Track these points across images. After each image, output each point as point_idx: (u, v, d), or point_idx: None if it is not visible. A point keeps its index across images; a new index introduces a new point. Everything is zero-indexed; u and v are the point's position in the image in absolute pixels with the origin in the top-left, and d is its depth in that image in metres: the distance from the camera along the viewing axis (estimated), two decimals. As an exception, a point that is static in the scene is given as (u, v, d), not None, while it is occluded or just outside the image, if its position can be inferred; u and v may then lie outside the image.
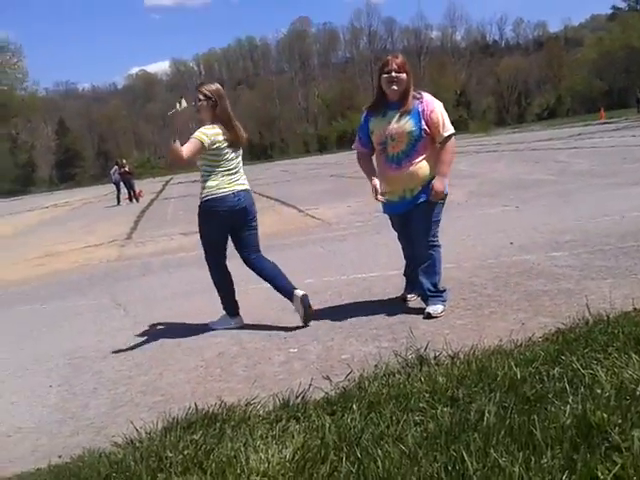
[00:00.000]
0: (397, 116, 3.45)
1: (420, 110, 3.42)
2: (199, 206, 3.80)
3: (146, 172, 52.04)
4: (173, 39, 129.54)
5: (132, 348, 3.74)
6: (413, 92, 3.47)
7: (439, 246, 3.63)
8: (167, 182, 34.90)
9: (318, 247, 6.48)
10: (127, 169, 20.60)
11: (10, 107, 56.64)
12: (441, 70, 67.15)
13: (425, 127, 3.42)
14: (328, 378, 2.74)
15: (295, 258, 6.09)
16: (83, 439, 2.50)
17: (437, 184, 3.45)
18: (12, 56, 56.95)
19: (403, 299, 3.91)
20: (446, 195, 3.57)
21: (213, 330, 3.88)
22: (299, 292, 3.70)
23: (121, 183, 20.21)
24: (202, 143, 3.59)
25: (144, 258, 7.59)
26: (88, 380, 3.26)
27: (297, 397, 2.48)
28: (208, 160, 3.69)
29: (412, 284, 3.85)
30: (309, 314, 3.67)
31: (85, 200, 26.57)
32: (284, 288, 3.80)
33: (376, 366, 2.76)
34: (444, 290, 3.65)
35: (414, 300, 3.83)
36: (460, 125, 55.18)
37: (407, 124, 3.43)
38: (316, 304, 4.16)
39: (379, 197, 3.58)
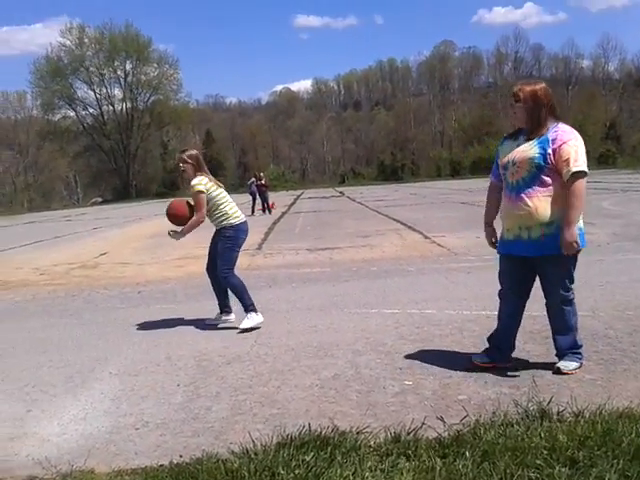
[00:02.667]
0: (525, 141, 3.15)
1: (551, 138, 3.06)
2: (226, 231, 4.76)
3: (280, 185, 54.24)
4: (317, 58, 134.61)
5: (254, 357, 3.92)
6: (550, 122, 3.12)
7: (572, 300, 3.25)
8: (298, 196, 36.15)
9: (442, 277, 6.36)
10: (263, 182, 21.63)
11: (164, 116, 61.98)
12: (590, 101, 63.07)
13: (550, 157, 3.04)
14: (442, 419, 2.69)
15: (417, 286, 6.04)
16: (203, 441, 2.67)
17: (565, 235, 3.01)
18: (169, 68, 62.41)
19: (474, 364, 3.44)
20: (580, 250, 3.11)
21: (243, 332, 4.60)
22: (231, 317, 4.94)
23: (257, 194, 21.26)
24: (204, 193, 4.70)
25: (271, 269, 7.92)
26: (212, 384, 3.47)
27: (409, 433, 2.46)
28: (213, 201, 4.75)
29: (496, 351, 3.42)
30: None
31: (222, 207, 28.18)
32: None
33: (494, 413, 2.67)
34: (581, 346, 3.33)
35: (482, 365, 3.43)
36: (608, 159, 51.42)
37: (531, 150, 3.09)
38: (436, 337, 4.12)
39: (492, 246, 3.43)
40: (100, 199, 59.21)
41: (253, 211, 20.79)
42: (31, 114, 63.96)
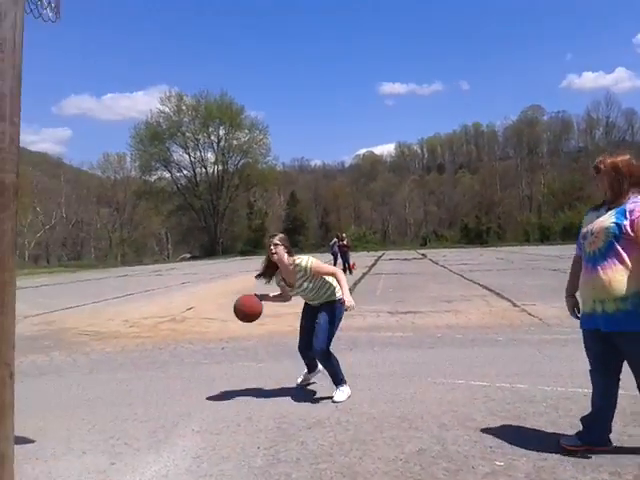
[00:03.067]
0: (606, 212, 3.05)
1: (629, 209, 2.93)
2: (334, 306, 4.55)
3: (361, 245, 54.51)
4: (401, 123, 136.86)
5: (335, 424, 3.81)
6: (633, 193, 2.99)
7: None
8: (379, 257, 36.04)
9: (534, 349, 6.01)
10: (345, 242, 21.82)
11: (252, 178, 64.94)
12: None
13: (626, 227, 2.90)
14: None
15: (506, 357, 5.73)
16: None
17: None
18: (259, 134, 65.67)
19: (563, 447, 3.17)
20: None
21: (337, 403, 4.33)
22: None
23: (338, 254, 21.43)
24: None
25: (352, 332, 7.81)
26: (293, 449, 3.39)
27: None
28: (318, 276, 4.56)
29: (588, 434, 3.15)
30: None
31: (304, 266, 28.55)
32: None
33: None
34: None
35: (570, 448, 3.12)
36: None
37: (608, 220, 2.99)
38: (529, 415, 3.84)
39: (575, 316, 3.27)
40: (189, 255, 61.89)
41: (334, 271, 20.87)
42: (129, 174, 68.96)
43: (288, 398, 4.54)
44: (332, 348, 4.56)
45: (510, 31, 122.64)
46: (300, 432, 3.68)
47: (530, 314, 8.56)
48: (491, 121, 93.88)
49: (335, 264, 21.16)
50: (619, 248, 2.94)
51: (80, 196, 66.33)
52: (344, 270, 21.04)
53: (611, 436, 3.20)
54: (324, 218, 74.96)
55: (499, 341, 6.65)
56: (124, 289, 17.48)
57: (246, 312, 4.61)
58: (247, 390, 4.85)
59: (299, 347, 4.77)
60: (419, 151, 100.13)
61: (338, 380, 4.51)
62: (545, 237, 56.12)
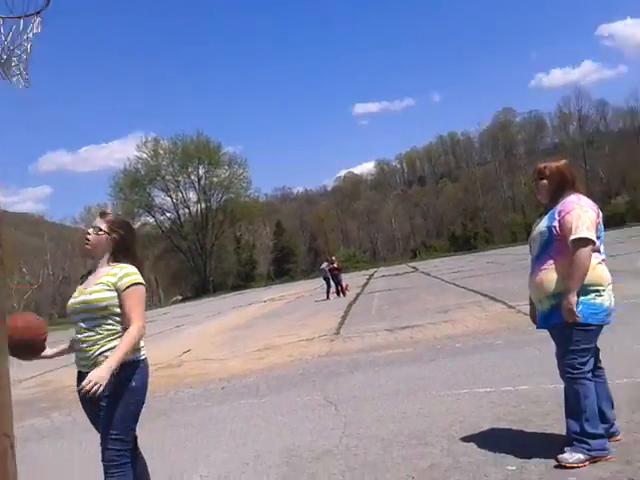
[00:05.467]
0: (545, 216, 3.16)
1: (558, 210, 3.05)
2: (136, 368, 2.74)
3: (352, 266, 54.53)
4: (378, 141, 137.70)
5: (344, 450, 3.77)
6: (567, 195, 3.09)
7: (581, 379, 2.96)
8: (371, 275, 36.04)
9: (534, 348, 6.00)
10: (336, 265, 21.81)
11: (236, 212, 64.96)
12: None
13: (556, 229, 3.02)
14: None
15: (507, 360, 5.73)
16: None
17: (563, 302, 2.93)
18: (239, 168, 65.94)
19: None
20: (587, 324, 2.94)
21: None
22: None
23: (330, 279, 21.39)
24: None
25: (352, 354, 7.77)
26: (303, 482, 3.33)
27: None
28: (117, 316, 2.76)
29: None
30: None
31: (298, 294, 28.54)
32: None
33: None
34: (594, 436, 2.92)
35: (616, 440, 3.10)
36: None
37: (543, 224, 3.12)
38: (536, 416, 3.83)
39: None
40: (180, 297, 61.48)
41: (328, 296, 20.82)
42: (112, 225, 68.44)
43: (294, 431, 4.48)
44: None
45: (474, 38, 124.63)
46: (310, 464, 3.63)
47: (525, 314, 8.54)
48: (466, 129, 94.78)
49: (329, 289, 21.13)
50: (551, 249, 3.06)
51: (65, 252, 65.90)
52: (337, 293, 20.99)
53: (619, 425, 3.18)
54: (312, 243, 75.10)
55: (498, 345, 6.64)
56: (119, 340, 17.27)
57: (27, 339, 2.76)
58: (252, 427, 4.78)
59: None
60: (399, 166, 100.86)
61: None
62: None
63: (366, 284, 27.24)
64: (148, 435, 5.14)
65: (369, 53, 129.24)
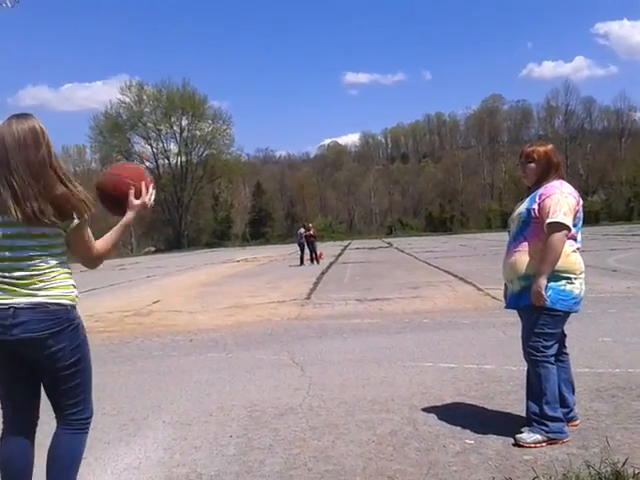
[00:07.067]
0: (526, 198, 3.21)
1: (539, 193, 3.08)
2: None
3: (327, 235, 54.66)
4: (365, 113, 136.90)
5: (307, 410, 3.82)
6: (552, 180, 3.11)
7: (543, 362, 3.03)
8: (346, 247, 36.22)
9: (499, 331, 6.14)
10: (312, 232, 21.85)
11: (216, 169, 64.19)
12: (644, 153, 61.69)
13: (535, 212, 3.04)
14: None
15: (472, 339, 5.85)
16: (258, 495, 2.58)
17: (533, 285, 2.97)
18: (223, 124, 64.91)
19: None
20: (554, 309, 2.99)
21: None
22: None
23: (305, 245, 21.44)
24: None
25: (321, 320, 7.84)
26: (265, 436, 3.38)
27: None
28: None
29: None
30: None
31: (271, 258, 28.54)
32: None
33: (565, 475, 2.51)
34: (553, 419, 2.99)
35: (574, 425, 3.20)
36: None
37: (522, 206, 3.17)
38: (496, 394, 3.93)
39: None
40: (153, 248, 60.94)
41: (302, 262, 20.88)
42: (90, 167, 67.20)
43: (259, 387, 4.52)
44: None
45: (473, 21, 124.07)
46: (272, 419, 3.68)
47: (494, 297, 8.72)
48: (453, 111, 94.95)
49: (303, 254, 21.18)
50: (527, 231, 3.09)
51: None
52: (311, 260, 21.06)
53: (578, 412, 3.29)
54: (290, 209, 74.78)
55: (465, 324, 6.77)
56: (87, 284, 17.07)
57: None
58: (217, 380, 4.81)
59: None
60: (383, 141, 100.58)
61: None
62: (506, 224, 56.96)
63: (340, 254, 27.37)
64: (112, 377, 5.17)
65: (364, 22, 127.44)
